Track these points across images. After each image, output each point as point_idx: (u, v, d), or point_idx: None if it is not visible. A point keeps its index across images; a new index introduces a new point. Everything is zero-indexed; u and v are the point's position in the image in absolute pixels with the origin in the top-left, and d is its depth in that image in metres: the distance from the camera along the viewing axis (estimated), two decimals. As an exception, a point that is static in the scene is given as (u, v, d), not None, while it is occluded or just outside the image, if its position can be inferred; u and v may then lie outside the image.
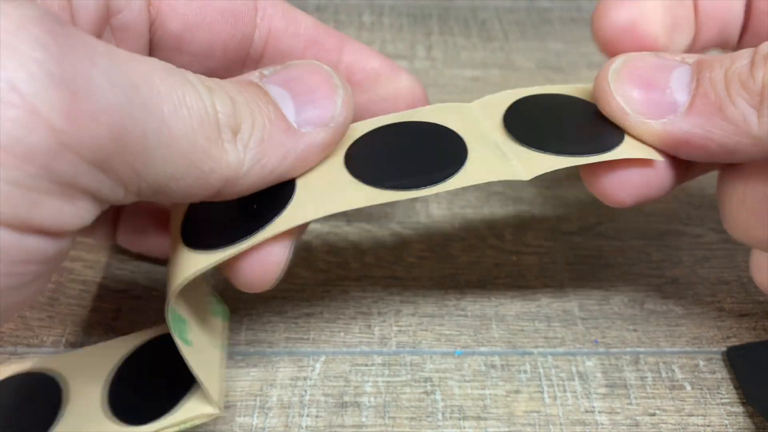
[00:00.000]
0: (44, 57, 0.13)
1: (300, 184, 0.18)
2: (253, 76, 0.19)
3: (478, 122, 0.21)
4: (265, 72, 0.19)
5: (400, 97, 0.23)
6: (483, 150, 0.20)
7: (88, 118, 0.13)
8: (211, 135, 0.16)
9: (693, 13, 0.21)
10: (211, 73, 0.18)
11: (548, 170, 0.19)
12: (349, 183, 0.18)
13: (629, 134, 0.20)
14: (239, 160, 0.17)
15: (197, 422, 0.20)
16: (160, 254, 0.25)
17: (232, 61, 0.21)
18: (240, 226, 0.18)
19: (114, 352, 0.22)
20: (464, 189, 0.30)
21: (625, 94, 0.19)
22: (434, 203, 0.29)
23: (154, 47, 0.20)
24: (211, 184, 0.16)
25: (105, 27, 0.19)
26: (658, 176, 0.20)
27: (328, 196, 0.18)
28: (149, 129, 0.14)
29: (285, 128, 0.18)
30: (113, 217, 0.24)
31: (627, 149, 0.19)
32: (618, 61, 0.20)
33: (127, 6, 0.19)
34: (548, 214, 0.29)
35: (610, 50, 0.21)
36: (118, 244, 0.25)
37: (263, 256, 0.18)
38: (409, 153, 0.19)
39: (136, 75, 0.14)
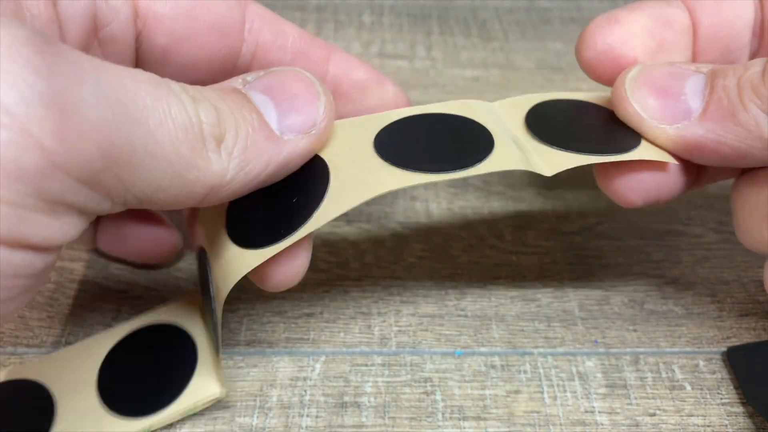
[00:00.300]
0: (35, 78, 0.13)
1: (333, 171, 0.19)
2: (236, 82, 0.19)
3: (501, 119, 0.21)
4: (248, 78, 0.19)
5: (385, 107, 0.23)
6: (508, 141, 0.20)
7: (77, 137, 0.13)
8: (196, 145, 0.16)
9: (687, 36, 0.22)
10: (196, 84, 0.19)
11: (570, 167, 0.20)
12: (381, 166, 0.19)
13: (645, 138, 0.20)
14: (223, 168, 0.17)
15: (201, 406, 0.21)
16: (138, 258, 0.25)
17: (219, 74, 0.21)
18: (283, 222, 0.18)
19: (96, 348, 0.22)
20: (464, 189, 0.30)
21: (641, 100, 0.20)
22: (434, 203, 0.29)
23: (140, 59, 0.20)
24: (196, 193, 0.17)
25: (93, 40, 0.19)
26: (669, 179, 0.21)
27: (361, 182, 0.18)
28: (136, 142, 0.15)
29: (268, 135, 0.18)
30: (94, 222, 0.24)
31: (643, 151, 0.20)
32: (635, 69, 0.20)
33: (115, 18, 0.19)
34: (548, 215, 0.29)
35: (591, 73, 0.22)
36: (99, 249, 0.25)
37: (291, 258, 0.19)
38: (438, 140, 0.20)
39: (121, 89, 0.15)
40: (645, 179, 0.20)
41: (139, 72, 0.15)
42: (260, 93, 0.18)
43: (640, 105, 0.20)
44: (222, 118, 0.17)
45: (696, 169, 0.21)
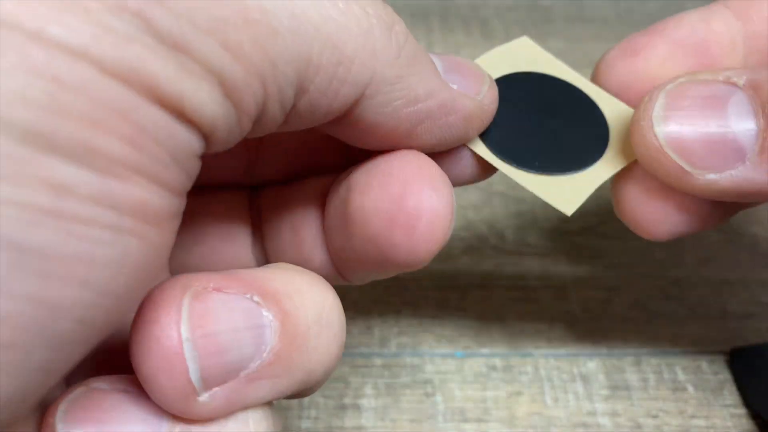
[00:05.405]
0: None
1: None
2: None
3: None
4: None
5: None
6: None
7: None
8: (356, 11, 0.13)
9: (735, 52, 0.18)
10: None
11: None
12: None
13: (684, 190, 0.16)
14: (391, 56, 0.14)
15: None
16: None
17: None
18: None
19: None
20: (464, 188, 0.30)
21: (679, 146, 0.15)
22: (435, 203, 0.29)
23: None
24: (350, 81, 0.13)
25: None
26: (705, 211, 0.17)
27: None
28: None
29: (433, 69, 0.15)
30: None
31: (604, 167, 0.17)
32: (658, 105, 0.16)
33: None
34: (549, 215, 0.29)
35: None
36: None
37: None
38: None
39: None
40: (672, 213, 0.17)
41: None
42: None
43: (679, 153, 0.15)
44: (389, 11, 0.14)
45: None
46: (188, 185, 0.12)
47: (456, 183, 0.17)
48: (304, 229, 0.17)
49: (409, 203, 0.14)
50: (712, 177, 0.15)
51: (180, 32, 0.11)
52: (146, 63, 0.10)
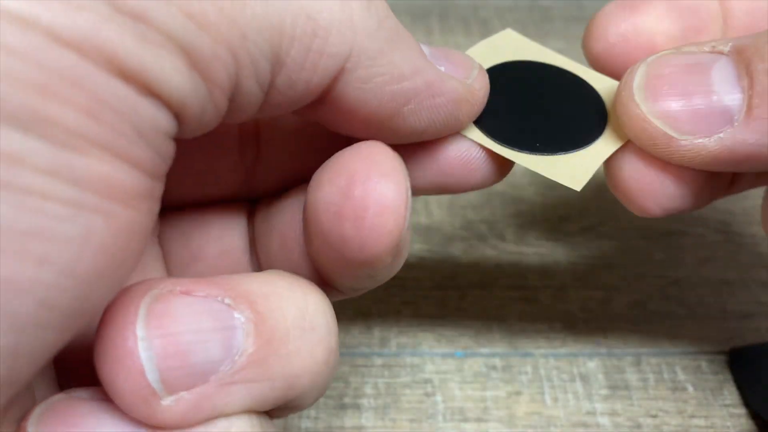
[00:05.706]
0: None
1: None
2: None
3: None
4: None
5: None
6: None
7: None
8: None
9: (717, 23, 0.18)
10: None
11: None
12: None
13: (674, 160, 0.16)
14: (368, 23, 0.13)
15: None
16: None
17: None
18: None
19: None
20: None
21: (662, 112, 0.15)
22: (434, 203, 0.29)
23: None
24: (327, 51, 0.13)
25: None
26: (698, 186, 0.17)
27: None
28: None
29: (420, 51, 0.14)
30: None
31: (604, 146, 0.17)
32: (639, 75, 0.16)
33: None
34: (549, 215, 0.29)
35: (601, 69, 0.18)
36: None
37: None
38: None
39: None
40: (668, 186, 0.16)
41: None
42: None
43: (663, 120, 0.15)
44: None
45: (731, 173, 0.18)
46: (162, 166, 0.11)
47: (470, 187, 0.17)
48: (290, 238, 0.16)
49: (355, 192, 0.13)
50: (700, 141, 0.15)
51: (137, 0, 0.10)
52: (101, 32, 0.10)
